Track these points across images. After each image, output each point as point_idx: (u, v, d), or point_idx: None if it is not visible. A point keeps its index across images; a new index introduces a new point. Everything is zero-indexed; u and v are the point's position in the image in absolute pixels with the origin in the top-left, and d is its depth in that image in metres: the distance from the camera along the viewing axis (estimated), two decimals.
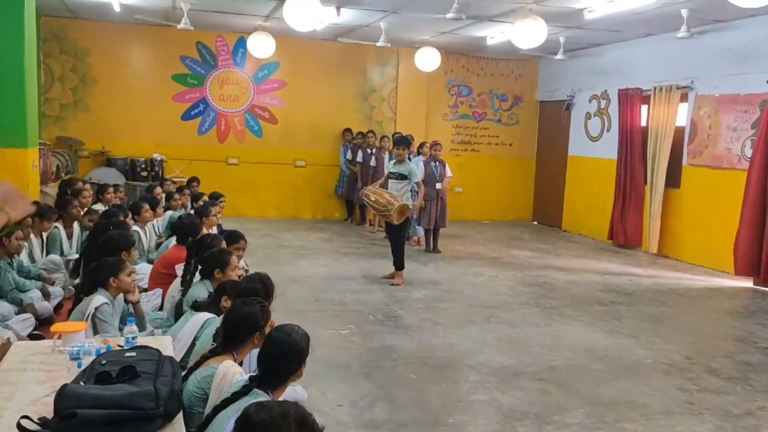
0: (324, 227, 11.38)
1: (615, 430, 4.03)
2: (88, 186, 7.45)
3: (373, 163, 11.13)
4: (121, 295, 3.92)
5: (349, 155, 11.69)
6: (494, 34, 10.23)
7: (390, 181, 7.82)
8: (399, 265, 7.60)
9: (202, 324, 3.46)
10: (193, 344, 3.36)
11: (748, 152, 8.35)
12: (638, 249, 10.28)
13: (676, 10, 7.87)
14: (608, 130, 11.14)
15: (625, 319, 6.55)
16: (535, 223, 13.22)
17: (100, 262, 3.96)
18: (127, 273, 3.91)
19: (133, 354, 2.61)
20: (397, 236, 7.64)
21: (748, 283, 8.22)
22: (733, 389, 4.77)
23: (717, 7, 7.42)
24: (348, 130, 11.94)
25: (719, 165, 8.88)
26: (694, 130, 9.30)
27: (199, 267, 4.26)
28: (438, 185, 9.49)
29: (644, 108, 10.25)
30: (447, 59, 12.00)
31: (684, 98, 9.52)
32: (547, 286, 7.85)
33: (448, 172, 9.73)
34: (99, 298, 3.70)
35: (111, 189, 7.72)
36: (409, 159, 8.29)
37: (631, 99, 10.38)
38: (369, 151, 11.29)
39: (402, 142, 7.90)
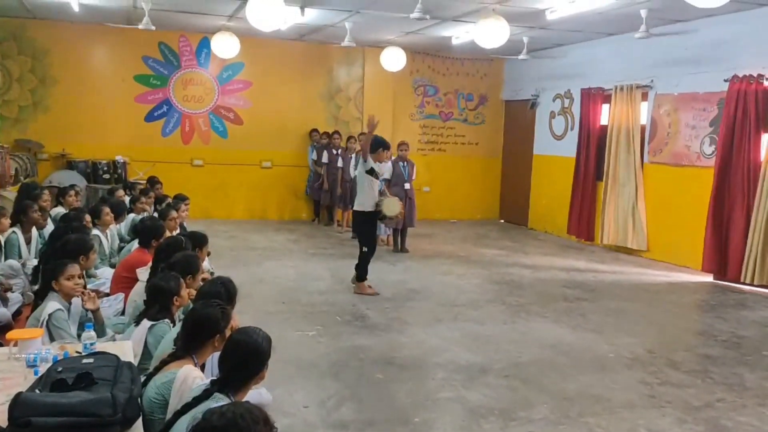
0: (292, 228, 11.32)
1: (578, 425, 4.08)
2: (46, 190, 7.29)
3: (339, 164, 11.08)
4: (80, 300, 3.83)
5: (314, 156, 11.65)
6: (459, 34, 10.28)
7: (370, 181, 7.16)
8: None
9: (148, 328, 3.41)
10: (145, 348, 3.31)
11: (707, 150, 8.56)
12: (594, 244, 10.48)
13: (635, 11, 8.00)
14: (572, 129, 11.29)
15: (589, 314, 6.64)
16: (502, 221, 13.33)
17: (48, 266, 3.86)
18: (66, 276, 3.76)
19: (91, 360, 2.56)
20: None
21: (708, 278, 8.40)
22: (693, 382, 4.88)
23: (675, 7, 7.55)
24: (315, 130, 11.90)
25: (679, 162, 9.06)
26: (654, 128, 9.48)
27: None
28: (406, 185, 9.52)
29: (606, 107, 10.42)
30: (413, 59, 12.04)
31: (644, 97, 9.70)
32: (513, 283, 7.92)
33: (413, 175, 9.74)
34: (52, 305, 3.61)
35: (72, 192, 7.57)
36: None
37: (593, 98, 10.56)
38: (335, 151, 11.25)
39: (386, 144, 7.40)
